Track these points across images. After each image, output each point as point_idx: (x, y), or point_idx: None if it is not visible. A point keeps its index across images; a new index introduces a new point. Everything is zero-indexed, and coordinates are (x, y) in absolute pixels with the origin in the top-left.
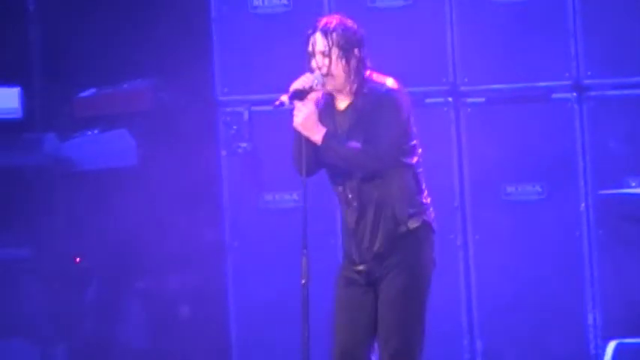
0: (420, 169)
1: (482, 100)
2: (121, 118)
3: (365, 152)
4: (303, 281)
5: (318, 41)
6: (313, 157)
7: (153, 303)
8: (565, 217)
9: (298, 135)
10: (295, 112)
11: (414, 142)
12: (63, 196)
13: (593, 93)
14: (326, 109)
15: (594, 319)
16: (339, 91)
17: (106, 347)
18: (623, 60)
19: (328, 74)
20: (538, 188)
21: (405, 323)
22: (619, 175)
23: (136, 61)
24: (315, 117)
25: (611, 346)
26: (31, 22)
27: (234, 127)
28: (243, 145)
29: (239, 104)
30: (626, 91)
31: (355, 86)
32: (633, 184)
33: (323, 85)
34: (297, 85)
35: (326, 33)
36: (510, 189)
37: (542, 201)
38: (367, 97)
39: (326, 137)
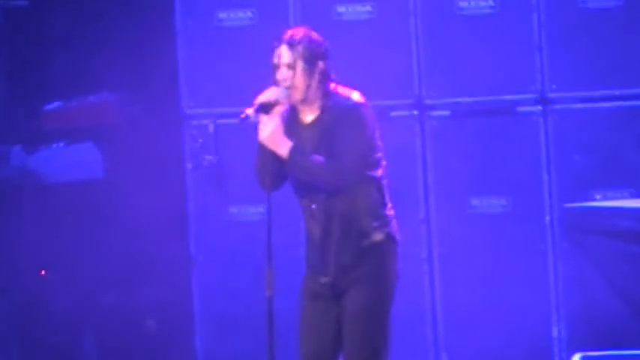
0: (385, 182)
1: (448, 113)
2: (87, 131)
3: (329, 167)
4: (269, 294)
5: (284, 53)
6: (278, 171)
7: (119, 316)
8: (530, 230)
9: (262, 149)
10: (261, 126)
11: (379, 154)
12: (29, 209)
13: (558, 106)
14: (291, 122)
15: (559, 332)
16: (304, 104)
17: (73, 356)
18: (588, 73)
19: (292, 86)
20: (503, 201)
21: (370, 337)
22: (584, 189)
23: (102, 75)
24: (280, 131)
25: (576, 358)
26: None
27: (200, 140)
28: (209, 157)
29: (205, 117)
30: (590, 105)
31: (320, 99)
32: (598, 197)
33: (288, 98)
34: (263, 98)
35: (292, 45)
36: (475, 202)
37: (507, 214)
38: (332, 110)
39: (292, 152)
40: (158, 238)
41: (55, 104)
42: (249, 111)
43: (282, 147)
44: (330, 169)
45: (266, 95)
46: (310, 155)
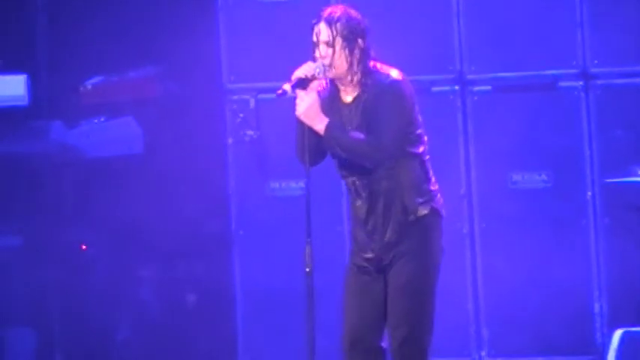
0: (427, 157)
1: (489, 88)
2: (128, 105)
3: (368, 143)
4: (308, 269)
5: (322, 31)
6: (316, 147)
7: (160, 291)
8: (571, 205)
9: (301, 124)
10: (298, 102)
11: (420, 130)
12: (70, 184)
13: (599, 81)
14: (331, 101)
15: (600, 308)
16: (344, 83)
17: (111, 335)
18: (630, 49)
19: (331, 64)
20: (544, 177)
21: (415, 310)
22: (625, 164)
23: (143, 49)
24: (317, 106)
25: (618, 334)
26: (37, 9)
27: (241, 115)
28: (250, 133)
29: (246, 92)
30: (632, 80)
31: (359, 77)
32: (639, 172)
33: (325, 73)
34: (299, 73)
35: (330, 23)
36: (517, 177)
37: (548, 189)
38: (372, 88)
39: (329, 127)
40: (199, 213)
41: (96, 79)
42: (286, 86)
43: (319, 122)
44: (368, 145)
45: (303, 70)
46: (348, 131)
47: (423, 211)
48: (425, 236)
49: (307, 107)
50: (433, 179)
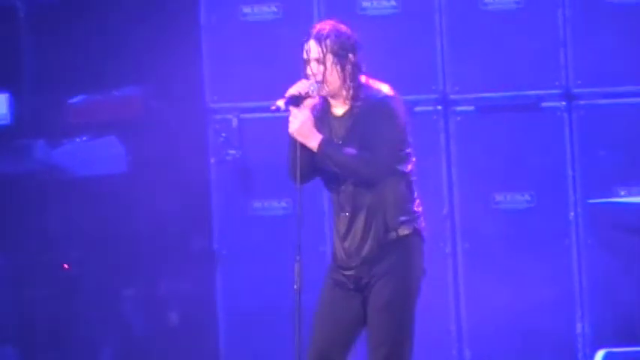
0: (414, 178)
1: (472, 108)
2: (111, 125)
3: (361, 159)
4: (296, 286)
5: (312, 48)
6: (308, 165)
7: (143, 309)
8: (554, 225)
9: (294, 142)
10: (291, 119)
11: (409, 150)
12: (53, 203)
13: (582, 102)
14: (322, 115)
15: (583, 328)
16: (336, 97)
17: (96, 352)
18: (613, 70)
19: (324, 81)
20: (527, 197)
21: (395, 330)
22: (608, 184)
23: (126, 69)
24: (310, 123)
25: (600, 355)
26: (20, 27)
27: (223, 134)
28: (232, 152)
29: (228, 112)
30: (615, 100)
31: (351, 92)
32: (622, 193)
33: (319, 91)
34: (293, 90)
35: (320, 40)
36: (499, 197)
37: (531, 209)
38: (363, 103)
39: (322, 144)
40: (181, 232)
41: (80, 98)
42: (280, 102)
43: (313, 139)
44: (362, 161)
45: (296, 88)
46: (341, 147)
47: (405, 230)
48: (406, 256)
49: (300, 125)
50: (418, 201)
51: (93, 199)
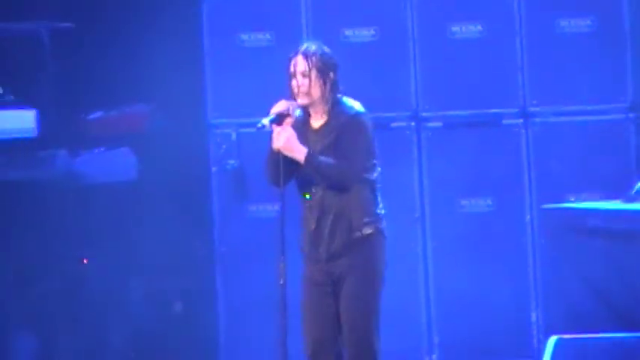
0: (379, 185)
1: (441, 124)
2: (124, 138)
3: (339, 168)
4: (281, 282)
5: (299, 63)
6: (288, 173)
7: (150, 301)
8: (512, 227)
9: (273, 154)
10: (275, 136)
11: (375, 161)
12: (72, 205)
13: (537, 119)
14: (301, 127)
15: (537, 317)
16: (315, 109)
17: (107, 340)
18: (564, 91)
19: (307, 92)
20: (489, 202)
21: (363, 317)
22: (559, 191)
23: (138, 88)
24: (294, 139)
25: (552, 340)
26: (45, 52)
27: (224, 146)
28: (232, 162)
29: (228, 126)
30: (565, 118)
31: (329, 105)
32: (572, 199)
33: (299, 106)
34: (275, 109)
35: (307, 56)
36: (464, 202)
37: (492, 213)
38: (338, 117)
39: (308, 156)
40: (186, 232)
41: (96, 114)
42: (265, 121)
43: (298, 153)
44: (341, 169)
45: (278, 107)
46: (323, 158)
47: (368, 230)
48: (370, 252)
49: (286, 140)
50: (381, 205)
51: (108, 203)
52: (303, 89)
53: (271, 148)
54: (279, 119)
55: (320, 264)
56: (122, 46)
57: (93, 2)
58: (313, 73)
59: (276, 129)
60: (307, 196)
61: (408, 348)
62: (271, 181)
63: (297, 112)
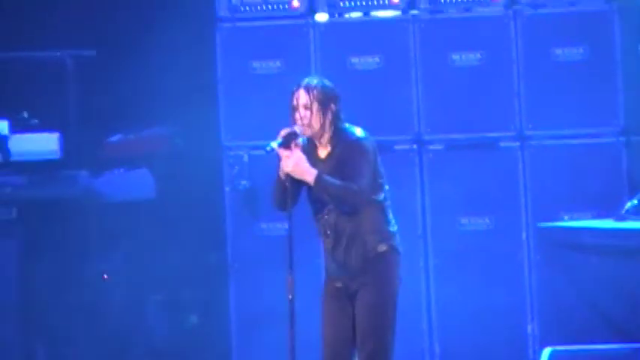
0: (388, 203)
1: (442, 147)
2: (143, 159)
3: (350, 188)
4: (290, 297)
5: (302, 96)
6: (294, 196)
7: (167, 312)
8: (509, 244)
9: (280, 179)
10: (284, 160)
11: (382, 180)
12: (94, 223)
13: (533, 142)
14: (308, 155)
15: (532, 329)
16: (318, 139)
17: (126, 348)
18: (558, 116)
19: (309, 124)
20: (487, 220)
21: (378, 329)
22: (554, 210)
23: (155, 112)
24: (304, 161)
25: (546, 352)
26: (68, 78)
27: (236, 167)
28: (244, 182)
29: (240, 149)
30: (560, 141)
31: (330, 135)
32: (566, 218)
33: (302, 133)
34: (283, 134)
35: (308, 90)
36: (464, 220)
37: (490, 231)
38: (341, 144)
39: (317, 178)
40: (200, 248)
41: (116, 136)
42: (274, 144)
43: (308, 175)
44: (350, 190)
45: (284, 132)
46: (332, 179)
47: (382, 247)
48: (384, 269)
49: (295, 163)
50: (393, 222)
51: (127, 220)
52: (305, 121)
53: (278, 175)
54: (286, 142)
55: (338, 280)
56: (140, 72)
57: (114, 32)
58: (314, 106)
59: (285, 153)
60: (321, 223)
61: (411, 356)
62: (276, 205)
63: (300, 140)
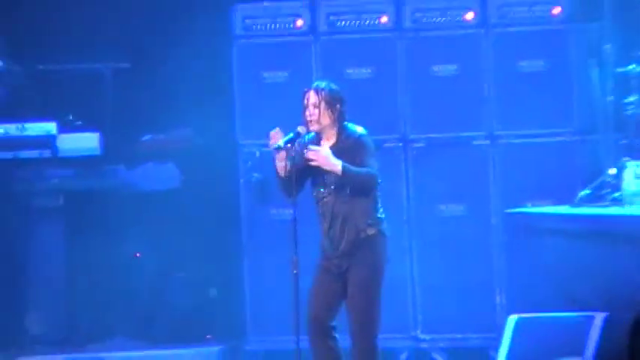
0: (378, 193)
1: (424, 145)
2: (170, 155)
3: (369, 173)
4: (295, 271)
5: (311, 96)
6: (300, 184)
7: (190, 287)
8: (480, 228)
9: (278, 174)
10: (312, 155)
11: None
12: (129, 209)
13: (502, 141)
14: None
15: (500, 300)
16: (325, 134)
17: (156, 316)
18: (524, 117)
19: (317, 120)
20: (462, 207)
21: (367, 302)
22: (519, 199)
23: (180, 116)
24: (330, 154)
25: (512, 319)
26: (107, 86)
27: (249, 162)
28: (256, 175)
29: (253, 146)
30: (525, 140)
31: (335, 131)
32: (529, 205)
33: (307, 130)
34: (287, 137)
35: (317, 91)
36: (442, 207)
37: (464, 216)
38: (345, 140)
39: (344, 168)
40: (219, 232)
41: (148, 136)
42: (281, 142)
43: (336, 165)
44: (369, 175)
45: (287, 136)
46: (355, 168)
47: (372, 231)
48: (373, 250)
49: (325, 157)
50: (381, 209)
51: (157, 207)
52: (314, 118)
53: (276, 171)
54: (292, 140)
55: (332, 259)
56: (168, 81)
57: (146, 47)
58: (322, 105)
59: (314, 148)
60: (320, 205)
61: (397, 324)
62: (283, 191)
63: (306, 137)
